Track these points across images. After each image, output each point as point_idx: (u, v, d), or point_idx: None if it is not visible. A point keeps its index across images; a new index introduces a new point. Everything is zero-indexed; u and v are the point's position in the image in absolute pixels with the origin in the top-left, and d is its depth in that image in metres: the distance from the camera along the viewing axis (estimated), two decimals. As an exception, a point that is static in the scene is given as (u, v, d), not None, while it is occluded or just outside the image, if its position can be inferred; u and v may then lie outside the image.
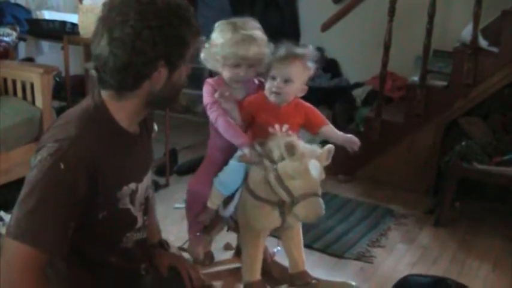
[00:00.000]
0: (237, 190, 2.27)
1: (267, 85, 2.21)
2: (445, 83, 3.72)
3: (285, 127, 2.13)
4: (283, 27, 4.91)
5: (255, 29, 2.21)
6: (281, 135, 2.08)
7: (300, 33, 5.07)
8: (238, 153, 2.18)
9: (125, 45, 1.42)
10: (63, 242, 1.43)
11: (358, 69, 4.70)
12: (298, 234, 2.41)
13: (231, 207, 2.30)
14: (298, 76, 2.19)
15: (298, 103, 2.27)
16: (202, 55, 2.24)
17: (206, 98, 2.24)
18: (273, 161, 2.02)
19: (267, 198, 2.13)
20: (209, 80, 2.29)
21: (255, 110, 2.21)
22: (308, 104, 2.31)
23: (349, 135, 2.28)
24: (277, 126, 2.12)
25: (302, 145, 2.02)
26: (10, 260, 1.39)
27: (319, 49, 4.89)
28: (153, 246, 1.88)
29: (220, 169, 2.28)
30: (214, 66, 2.25)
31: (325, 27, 4.88)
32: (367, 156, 3.89)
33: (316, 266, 2.74)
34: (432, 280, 2.34)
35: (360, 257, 2.93)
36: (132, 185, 1.59)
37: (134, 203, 1.62)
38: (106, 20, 1.45)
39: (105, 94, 1.54)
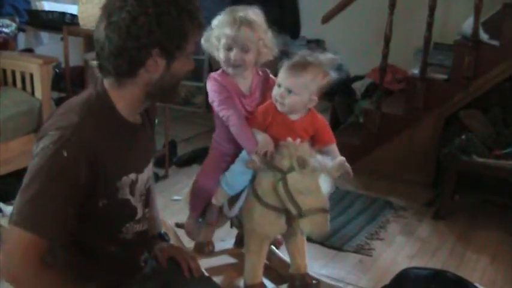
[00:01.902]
0: (243, 190, 2.24)
1: (274, 91, 2.10)
2: (445, 76, 3.71)
3: (298, 141, 2.08)
4: (283, 19, 4.90)
5: (251, 12, 2.12)
6: (293, 145, 2.04)
7: (300, 25, 5.06)
8: (243, 154, 2.15)
9: (120, 29, 1.43)
10: (64, 228, 1.44)
11: (359, 61, 4.69)
12: (302, 240, 2.37)
13: (236, 208, 2.26)
14: (304, 88, 2.05)
15: (313, 117, 2.16)
16: (202, 40, 2.16)
17: (213, 95, 2.15)
18: (282, 171, 1.99)
19: (275, 206, 2.10)
20: (214, 75, 2.19)
21: (267, 118, 2.10)
22: (322, 120, 2.20)
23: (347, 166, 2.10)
24: (289, 139, 2.07)
25: (313, 158, 1.95)
26: (11, 247, 1.41)
27: (319, 41, 4.89)
28: (154, 237, 1.88)
29: (231, 161, 2.21)
30: (211, 49, 2.17)
31: (326, 19, 4.86)
32: (366, 149, 3.90)
33: (315, 259, 2.74)
34: (431, 273, 2.34)
35: (358, 250, 2.94)
36: (132, 176, 1.59)
37: (134, 194, 1.62)
38: (107, 6, 1.47)
39: (106, 83, 1.55)
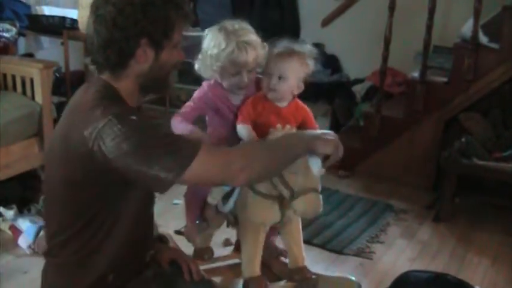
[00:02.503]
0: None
1: (265, 82, 2.19)
2: (445, 79, 3.71)
3: (288, 128, 2.11)
4: (283, 22, 4.90)
5: (247, 31, 2.16)
6: (281, 130, 2.07)
7: (300, 29, 5.07)
8: None
9: (106, 21, 1.48)
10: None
11: (359, 64, 4.70)
12: (297, 230, 2.41)
13: (230, 203, 2.29)
14: (294, 73, 2.16)
15: (298, 105, 2.26)
16: (196, 66, 2.22)
17: (192, 99, 2.26)
18: None
19: (267, 193, 2.13)
20: (206, 85, 2.26)
21: (258, 107, 2.19)
22: (306, 108, 2.29)
23: None
24: (279, 126, 2.11)
25: None
26: (211, 168, 1.53)
27: (319, 45, 4.89)
28: (154, 240, 1.89)
29: None
30: (212, 76, 2.22)
31: (326, 22, 4.88)
32: (367, 152, 3.90)
33: (315, 262, 2.74)
34: (432, 276, 2.34)
35: (359, 253, 2.93)
36: None
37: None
38: (95, 1, 1.53)
39: (104, 77, 1.59)
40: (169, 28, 1.53)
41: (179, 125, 2.18)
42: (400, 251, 3.01)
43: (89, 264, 1.61)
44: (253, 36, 2.16)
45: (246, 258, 2.31)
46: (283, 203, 2.13)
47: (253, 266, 2.30)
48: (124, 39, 1.49)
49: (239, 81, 2.17)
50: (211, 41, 2.16)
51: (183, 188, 3.43)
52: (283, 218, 2.23)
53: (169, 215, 3.03)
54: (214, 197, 2.29)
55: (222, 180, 1.60)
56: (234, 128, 2.21)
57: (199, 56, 2.21)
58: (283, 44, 2.19)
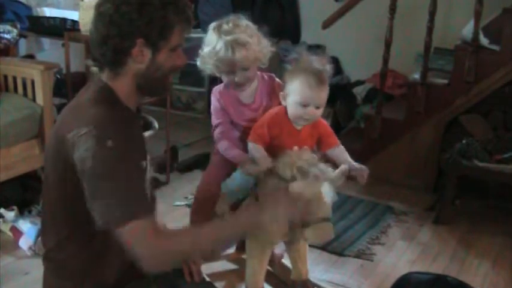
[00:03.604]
0: (245, 197, 2.24)
1: (295, 110, 2.11)
2: (445, 81, 3.72)
3: (304, 149, 2.09)
4: (283, 24, 4.91)
5: (241, 30, 2.14)
6: (296, 154, 2.01)
7: (301, 30, 5.08)
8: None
9: (104, 18, 1.50)
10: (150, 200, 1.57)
11: (359, 67, 4.70)
12: (304, 246, 2.38)
13: None
14: (326, 99, 2.13)
15: (315, 122, 2.21)
16: (198, 62, 2.24)
17: (212, 118, 2.26)
18: (283, 180, 1.99)
19: None
20: (215, 91, 2.27)
21: (275, 130, 2.14)
22: (324, 122, 2.25)
23: (360, 166, 2.20)
24: (295, 148, 2.07)
25: (315, 167, 1.95)
26: (140, 242, 1.44)
27: (320, 47, 4.90)
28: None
29: (233, 166, 2.25)
30: (212, 72, 2.25)
31: (326, 24, 4.88)
32: (367, 154, 3.89)
33: (316, 264, 2.74)
34: (432, 277, 2.34)
35: (360, 255, 2.93)
36: (145, 162, 1.62)
37: (146, 182, 1.65)
38: (98, 1, 1.54)
39: (104, 77, 1.58)
40: (167, 30, 1.52)
41: (227, 152, 2.21)
42: (400, 252, 3.01)
43: (88, 268, 1.61)
44: (244, 35, 2.13)
45: (251, 271, 2.28)
46: (293, 225, 2.09)
47: (256, 280, 2.28)
48: (119, 37, 1.49)
49: (232, 79, 2.18)
50: (208, 38, 2.19)
51: (184, 190, 3.45)
52: (293, 238, 2.19)
53: (170, 216, 3.03)
54: (221, 207, 2.27)
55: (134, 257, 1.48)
56: (245, 132, 2.21)
57: (200, 52, 2.23)
58: (306, 66, 2.10)
